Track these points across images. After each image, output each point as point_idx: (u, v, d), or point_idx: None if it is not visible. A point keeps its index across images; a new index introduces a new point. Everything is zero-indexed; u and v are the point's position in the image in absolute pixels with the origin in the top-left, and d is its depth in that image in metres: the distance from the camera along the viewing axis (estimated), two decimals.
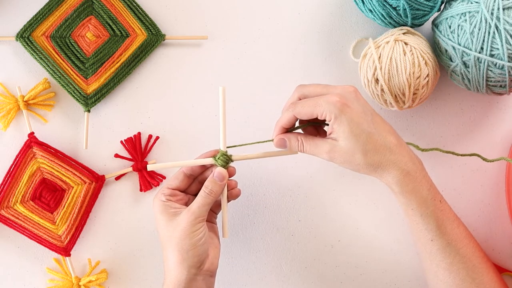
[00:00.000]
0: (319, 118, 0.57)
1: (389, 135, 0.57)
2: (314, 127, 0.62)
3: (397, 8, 0.67)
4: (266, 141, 0.63)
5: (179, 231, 0.59)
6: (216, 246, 0.63)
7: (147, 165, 0.64)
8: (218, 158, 0.63)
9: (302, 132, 0.62)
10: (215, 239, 0.64)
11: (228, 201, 0.64)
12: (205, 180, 0.63)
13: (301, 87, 0.60)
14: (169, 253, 0.60)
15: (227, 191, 0.64)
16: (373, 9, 0.68)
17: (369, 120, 0.56)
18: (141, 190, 0.71)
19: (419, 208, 0.58)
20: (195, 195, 0.64)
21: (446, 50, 0.66)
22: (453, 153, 0.66)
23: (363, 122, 0.56)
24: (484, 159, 0.66)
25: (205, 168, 0.65)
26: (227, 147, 0.63)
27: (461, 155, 0.66)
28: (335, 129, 0.56)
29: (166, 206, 0.61)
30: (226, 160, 0.63)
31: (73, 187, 0.70)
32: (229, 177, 0.63)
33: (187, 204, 0.64)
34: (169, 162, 0.67)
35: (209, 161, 0.63)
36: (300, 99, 0.59)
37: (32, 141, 0.70)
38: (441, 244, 0.58)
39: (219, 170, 0.62)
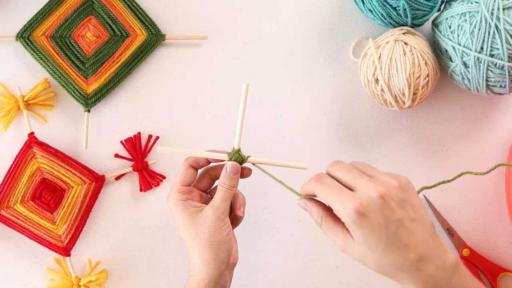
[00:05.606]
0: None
1: (410, 251, 0.50)
2: None
3: (397, 8, 0.67)
4: (292, 190, 0.59)
5: (207, 228, 0.59)
6: (235, 239, 0.64)
7: (158, 147, 0.61)
8: (232, 156, 0.61)
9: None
10: (233, 232, 0.64)
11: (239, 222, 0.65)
12: (214, 174, 0.63)
13: (334, 164, 0.55)
14: (197, 251, 0.59)
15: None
16: (373, 9, 0.68)
17: (390, 233, 0.50)
18: (141, 190, 0.71)
19: None
20: (203, 191, 0.64)
21: (446, 50, 0.66)
22: (443, 182, 0.59)
23: (382, 235, 0.50)
24: (476, 173, 0.61)
25: (208, 162, 0.64)
26: (249, 157, 0.62)
27: (452, 179, 0.59)
28: (351, 231, 0.51)
29: (185, 204, 0.60)
30: (240, 160, 0.61)
31: (73, 187, 0.70)
32: (244, 177, 0.63)
33: (201, 200, 0.63)
34: (181, 149, 0.64)
35: (222, 156, 0.61)
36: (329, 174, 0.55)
37: (32, 141, 0.70)
38: None
39: (231, 165, 0.60)
